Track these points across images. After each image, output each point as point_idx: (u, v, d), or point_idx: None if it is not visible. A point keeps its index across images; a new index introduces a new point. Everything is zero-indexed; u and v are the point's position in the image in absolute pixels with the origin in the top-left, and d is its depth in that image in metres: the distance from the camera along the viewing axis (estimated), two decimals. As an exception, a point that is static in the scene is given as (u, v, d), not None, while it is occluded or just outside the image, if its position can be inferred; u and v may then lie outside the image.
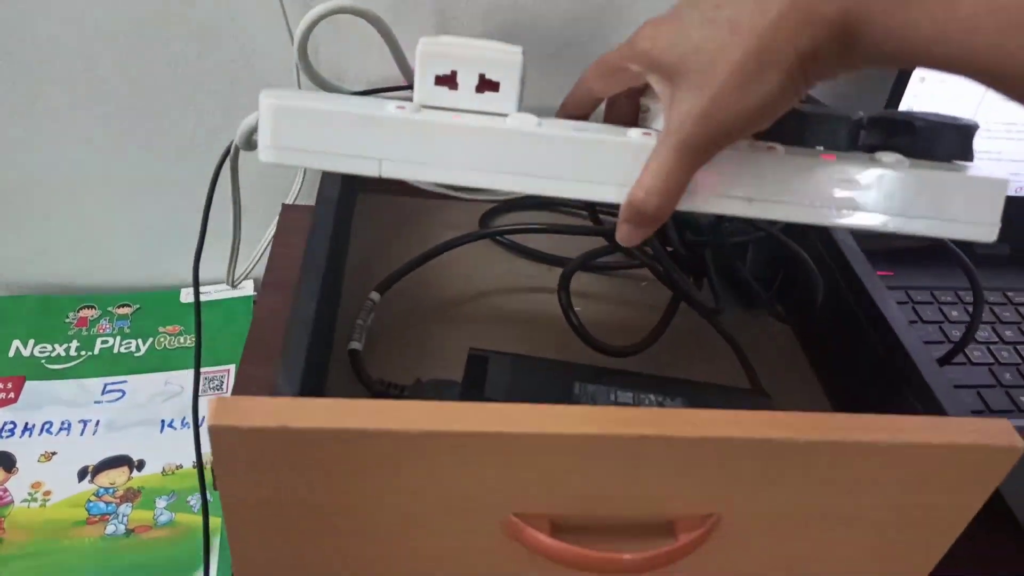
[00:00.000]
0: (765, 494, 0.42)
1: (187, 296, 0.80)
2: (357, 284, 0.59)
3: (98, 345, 0.76)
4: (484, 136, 0.43)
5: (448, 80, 0.44)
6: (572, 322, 0.54)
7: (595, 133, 0.44)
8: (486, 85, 0.44)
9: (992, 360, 0.66)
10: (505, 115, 0.45)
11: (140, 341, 0.77)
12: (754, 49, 0.37)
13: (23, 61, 0.70)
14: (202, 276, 0.58)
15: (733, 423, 0.39)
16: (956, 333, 0.68)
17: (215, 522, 0.62)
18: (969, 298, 0.72)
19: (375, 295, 0.58)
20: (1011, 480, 0.54)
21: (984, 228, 0.46)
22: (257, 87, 0.71)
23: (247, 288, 0.80)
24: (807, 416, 0.40)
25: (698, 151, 0.40)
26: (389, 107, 0.43)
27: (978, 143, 0.69)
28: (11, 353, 0.75)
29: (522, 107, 0.46)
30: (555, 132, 0.43)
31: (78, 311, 0.79)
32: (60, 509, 0.64)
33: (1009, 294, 0.73)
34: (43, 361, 0.75)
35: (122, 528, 0.63)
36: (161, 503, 0.65)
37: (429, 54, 0.44)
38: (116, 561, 0.61)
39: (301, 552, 0.41)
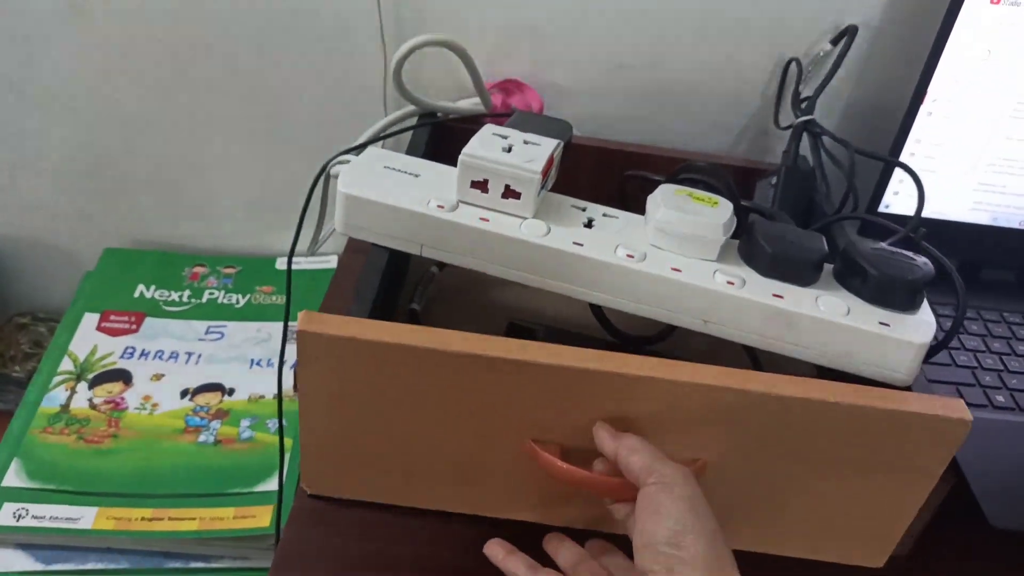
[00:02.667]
0: (743, 442, 0.46)
1: (282, 264, 0.87)
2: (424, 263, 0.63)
3: (206, 295, 0.83)
4: (499, 240, 0.49)
5: (481, 185, 0.50)
6: (594, 311, 0.58)
7: (587, 250, 0.49)
8: (510, 193, 0.50)
9: (976, 364, 0.70)
10: (524, 218, 0.50)
11: (240, 296, 0.84)
12: None
13: (168, 50, 0.77)
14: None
15: (715, 374, 0.44)
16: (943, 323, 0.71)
17: (288, 442, 0.68)
18: (986, 316, 0.76)
19: (435, 268, 0.64)
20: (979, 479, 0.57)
21: (898, 376, 0.48)
22: (357, 97, 0.77)
23: (331, 261, 0.86)
24: (779, 376, 0.45)
25: None
26: (432, 204, 0.50)
27: (982, 175, 0.73)
28: (136, 294, 0.83)
29: (544, 210, 0.51)
30: (553, 244, 0.49)
31: (192, 267, 0.86)
32: (164, 419, 0.72)
33: (1005, 313, 0.76)
34: (161, 303, 0.82)
35: (212, 439, 0.71)
36: (245, 423, 0.72)
37: (467, 165, 0.50)
38: (205, 462, 0.69)
39: (357, 436, 0.47)
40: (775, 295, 0.49)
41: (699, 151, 0.83)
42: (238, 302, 0.83)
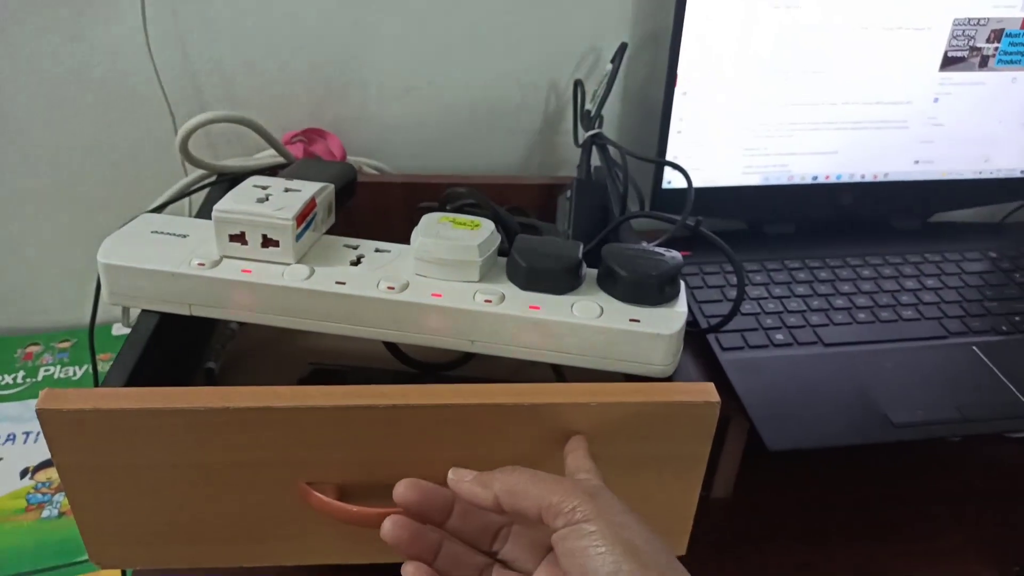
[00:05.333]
0: (514, 454, 0.44)
1: (118, 330, 0.83)
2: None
3: (41, 373, 0.80)
4: (263, 289, 0.48)
5: (239, 238, 0.48)
6: (385, 344, 0.56)
7: (348, 288, 0.48)
8: (269, 242, 0.48)
9: (759, 311, 0.72)
10: (287, 264, 0.49)
11: (77, 367, 0.80)
12: None
13: None
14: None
15: (464, 393, 0.43)
16: (734, 294, 0.74)
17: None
18: (769, 266, 0.79)
19: (235, 325, 0.62)
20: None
21: (655, 368, 0.48)
22: (160, 160, 0.76)
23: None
24: (530, 386, 0.44)
25: None
26: (194, 263, 0.48)
27: (745, 141, 0.76)
28: (-33, 384, 0.79)
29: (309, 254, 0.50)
30: (315, 287, 0.47)
31: (25, 348, 0.83)
32: (4, 501, 0.68)
33: (786, 262, 0.79)
34: (-6, 389, 0.79)
35: (56, 512, 0.67)
36: (88, 492, 0.68)
37: (221, 220, 0.48)
38: (50, 536, 0.65)
39: (126, 506, 0.44)
40: (532, 307, 0.48)
41: (508, 174, 0.84)
42: (75, 374, 0.80)
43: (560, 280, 0.49)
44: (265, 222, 0.48)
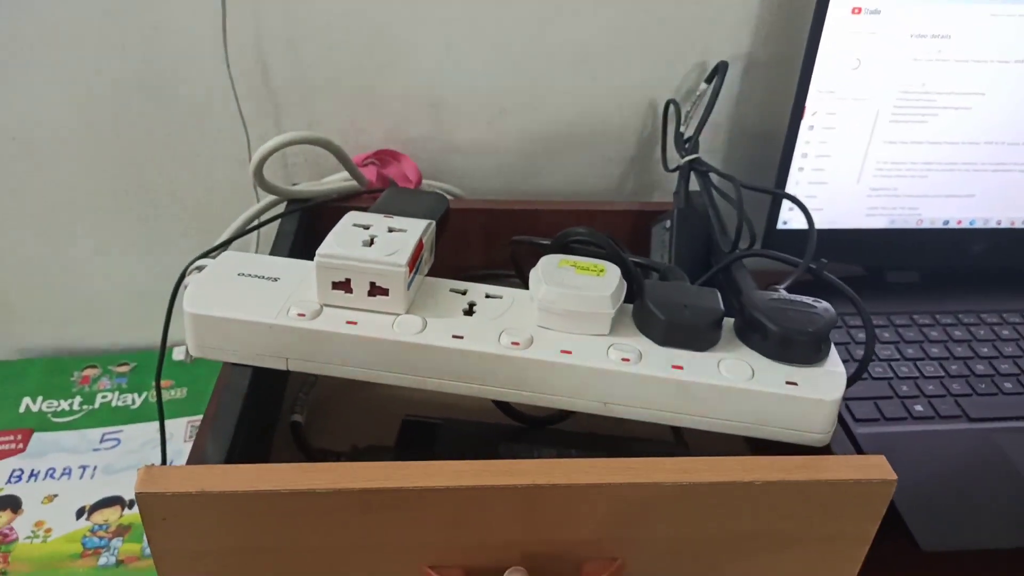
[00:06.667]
0: (660, 535, 0.39)
1: (179, 354, 0.78)
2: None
3: (98, 400, 0.74)
4: (371, 344, 0.42)
5: (344, 285, 0.42)
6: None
7: (467, 342, 0.42)
8: (377, 290, 0.42)
9: (892, 374, 0.65)
10: (396, 315, 0.43)
11: (136, 395, 0.74)
12: None
13: (26, 148, 0.69)
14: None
15: (618, 470, 0.37)
16: (859, 352, 0.67)
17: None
18: (896, 321, 0.71)
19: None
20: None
21: (814, 436, 0.42)
22: (233, 193, 0.71)
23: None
24: (687, 460, 0.38)
25: None
26: (292, 312, 0.42)
27: (873, 181, 0.69)
28: (21, 409, 0.73)
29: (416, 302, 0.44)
30: (431, 341, 0.41)
31: (82, 371, 0.77)
32: (59, 544, 0.62)
33: (915, 316, 0.72)
34: (49, 415, 0.72)
35: (113, 560, 0.61)
36: (148, 537, 0.63)
37: (324, 266, 0.42)
38: (106, 588, 0.59)
39: None
40: (675, 367, 0.42)
41: (592, 199, 0.78)
42: (134, 402, 0.74)
43: (703, 335, 0.43)
44: (376, 269, 0.42)
